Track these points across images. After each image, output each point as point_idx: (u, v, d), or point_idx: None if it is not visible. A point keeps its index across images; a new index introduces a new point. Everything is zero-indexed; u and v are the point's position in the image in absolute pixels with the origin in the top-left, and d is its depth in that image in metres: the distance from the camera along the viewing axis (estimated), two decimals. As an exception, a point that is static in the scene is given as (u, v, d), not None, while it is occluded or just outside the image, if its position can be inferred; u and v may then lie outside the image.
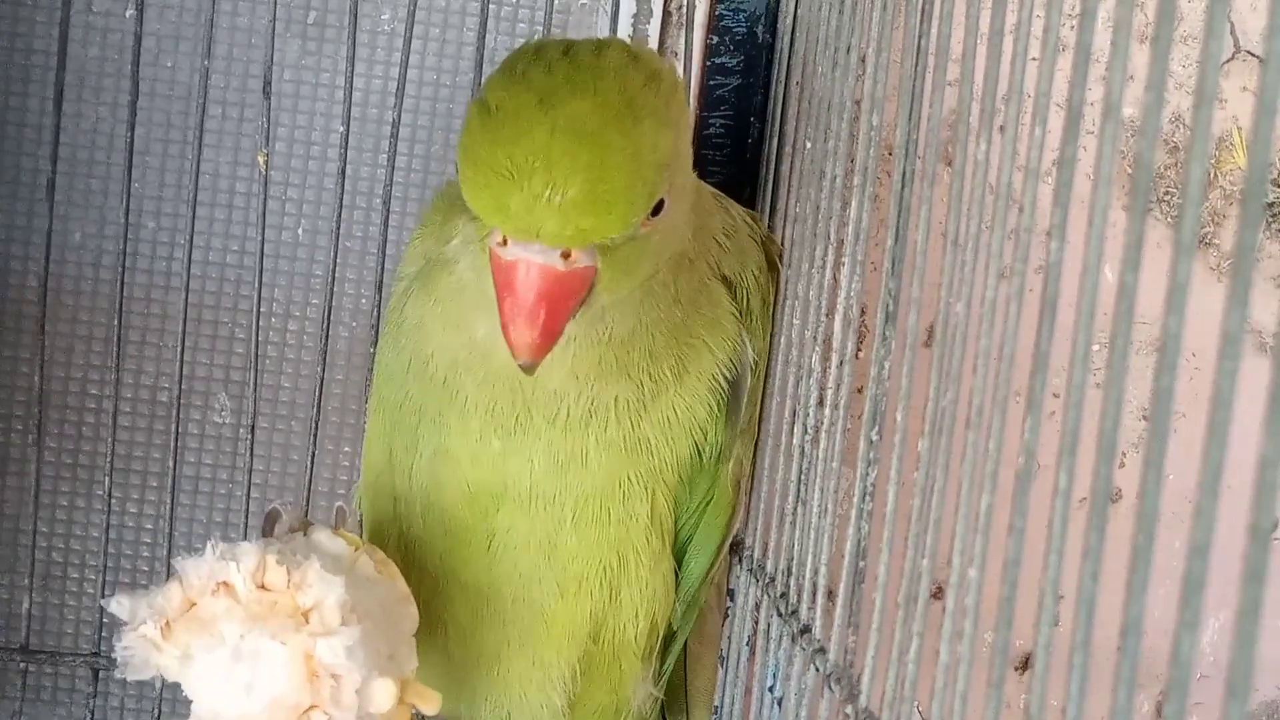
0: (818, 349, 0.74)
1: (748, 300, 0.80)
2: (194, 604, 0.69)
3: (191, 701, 0.69)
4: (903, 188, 0.63)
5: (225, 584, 0.69)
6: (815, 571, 0.71)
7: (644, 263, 0.69)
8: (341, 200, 0.91)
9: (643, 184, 0.63)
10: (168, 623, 0.69)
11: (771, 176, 0.90)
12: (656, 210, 0.65)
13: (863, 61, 0.71)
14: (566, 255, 0.63)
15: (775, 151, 0.90)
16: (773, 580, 0.78)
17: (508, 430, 0.75)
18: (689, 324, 0.76)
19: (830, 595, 0.68)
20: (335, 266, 0.92)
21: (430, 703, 0.73)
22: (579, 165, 0.61)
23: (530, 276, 0.63)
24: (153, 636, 0.69)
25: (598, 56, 0.64)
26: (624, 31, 1.01)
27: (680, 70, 0.99)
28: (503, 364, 0.71)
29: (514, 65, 0.65)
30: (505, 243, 0.63)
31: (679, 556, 0.82)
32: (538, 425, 0.75)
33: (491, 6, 0.95)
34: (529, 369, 0.66)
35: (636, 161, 0.62)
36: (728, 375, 0.78)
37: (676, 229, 0.71)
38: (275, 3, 0.92)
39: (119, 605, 0.70)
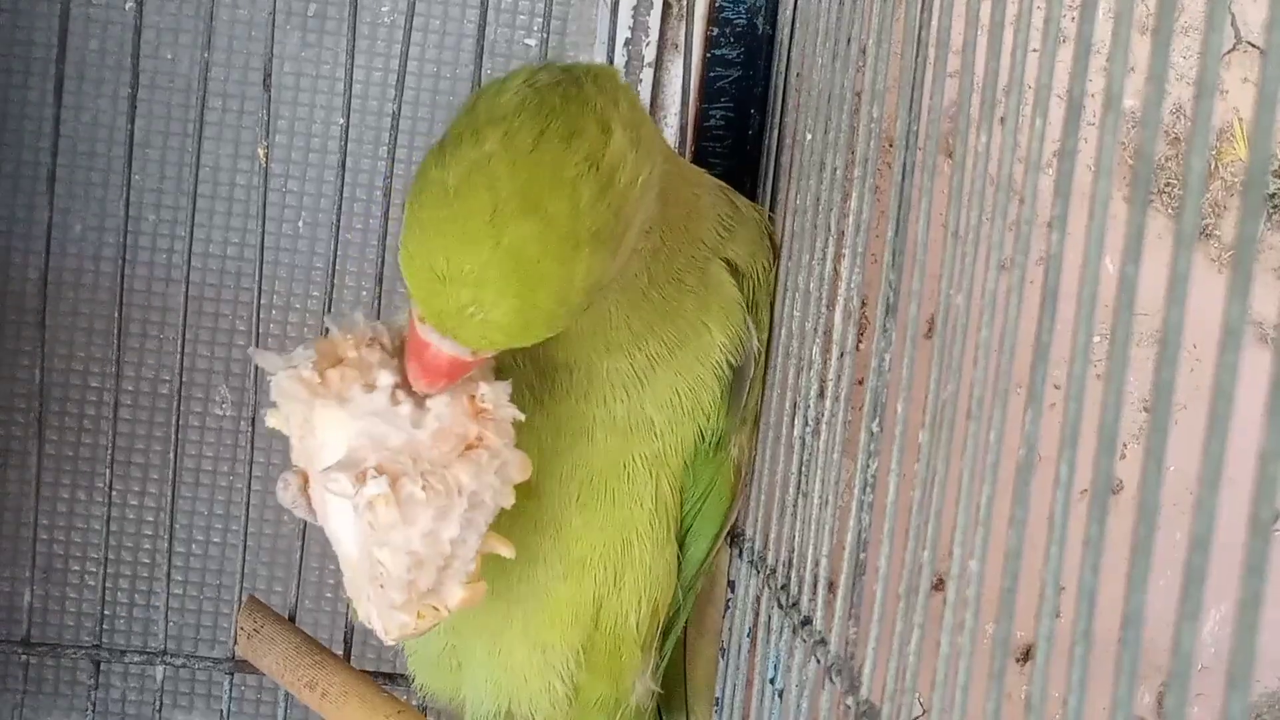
0: (818, 341, 0.74)
1: (754, 292, 0.80)
2: (342, 359, 0.70)
3: (345, 444, 0.69)
4: (903, 179, 0.63)
5: (379, 342, 0.70)
6: (816, 563, 0.71)
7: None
8: (342, 192, 0.91)
9: (568, 308, 0.64)
10: (321, 369, 0.69)
11: (772, 168, 0.90)
12: None
13: (863, 53, 0.71)
14: (475, 350, 0.65)
15: (775, 143, 0.90)
16: (773, 572, 0.78)
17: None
18: (674, 305, 0.77)
19: (831, 587, 0.68)
20: (336, 259, 0.92)
21: (508, 548, 0.73)
22: (508, 293, 0.62)
23: (437, 360, 0.66)
24: (309, 377, 0.69)
25: (564, 154, 0.63)
26: (624, 23, 1.01)
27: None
28: None
29: (485, 132, 0.63)
30: (424, 320, 0.65)
31: (680, 543, 0.83)
32: (541, 400, 0.76)
33: (491, -2, 0.95)
34: None
35: (566, 290, 0.63)
36: (731, 361, 0.79)
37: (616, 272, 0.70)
38: (275, -5, 0.92)
39: (264, 357, 0.71)
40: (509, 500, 0.71)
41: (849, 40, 0.74)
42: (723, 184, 0.83)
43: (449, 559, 0.70)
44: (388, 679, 0.92)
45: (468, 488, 0.69)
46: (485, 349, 0.65)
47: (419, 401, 0.69)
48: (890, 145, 0.67)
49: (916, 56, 0.63)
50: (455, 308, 0.63)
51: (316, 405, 0.69)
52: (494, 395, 0.70)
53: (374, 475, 0.68)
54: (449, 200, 0.63)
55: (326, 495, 0.69)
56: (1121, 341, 0.39)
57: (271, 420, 0.71)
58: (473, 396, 0.69)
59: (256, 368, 0.91)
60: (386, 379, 0.69)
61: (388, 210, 0.93)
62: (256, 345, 0.91)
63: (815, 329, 0.74)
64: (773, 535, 0.79)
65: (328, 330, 0.72)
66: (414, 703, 0.89)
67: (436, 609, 0.71)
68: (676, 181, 0.76)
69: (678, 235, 0.76)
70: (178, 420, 0.92)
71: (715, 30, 0.97)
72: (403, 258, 0.64)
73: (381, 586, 0.69)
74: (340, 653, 0.90)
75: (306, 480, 0.72)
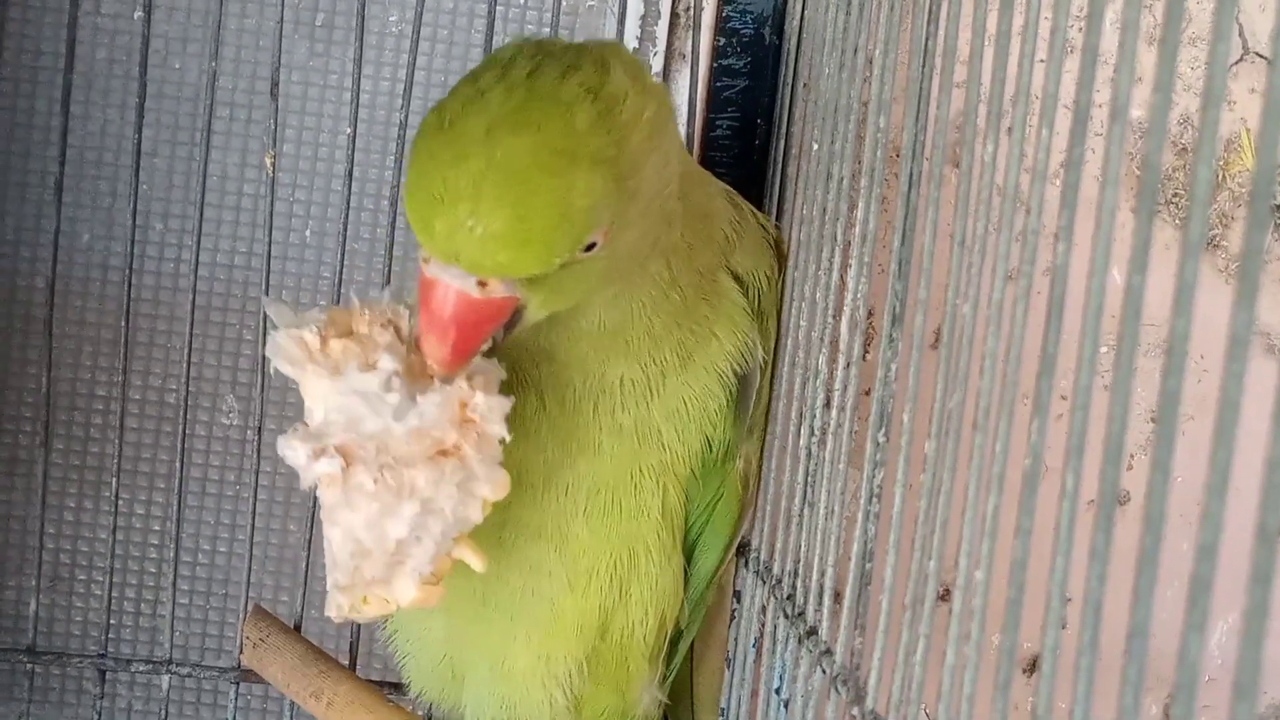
0: (825, 351, 0.74)
1: (760, 301, 0.80)
2: (352, 332, 0.69)
3: (324, 418, 0.68)
4: (910, 190, 0.63)
5: (395, 325, 0.70)
6: (822, 573, 0.71)
7: (583, 286, 0.69)
8: (349, 202, 0.91)
9: (567, 228, 0.64)
10: (326, 337, 0.69)
11: (778, 178, 0.90)
12: (589, 248, 0.66)
13: (869, 63, 0.71)
14: (484, 284, 0.65)
15: (782, 153, 0.90)
16: (779, 582, 0.78)
17: (520, 418, 0.75)
18: (691, 310, 0.77)
19: (837, 597, 0.68)
20: (342, 268, 0.92)
21: (480, 560, 0.72)
22: (504, 202, 0.62)
23: (445, 298, 0.65)
24: (310, 341, 0.69)
25: (560, 83, 0.64)
26: (631, 33, 1.01)
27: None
28: (508, 350, 0.71)
29: (482, 75, 0.65)
30: (430, 260, 0.65)
31: (688, 555, 0.83)
32: (549, 411, 0.76)
33: (499, 8, 0.95)
34: (445, 380, 0.68)
35: (563, 206, 0.63)
36: (737, 370, 0.79)
37: (635, 249, 0.70)
38: (283, 5, 0.92)
39: (277, 309, 0.70)
40: (476, 515, 0.70)
41: (856, 50, 0.74)
42: (728, 188, 0.83)
43: (399, 556, 0.69)
44: (394, 689, 0.92)
45: (421, 492, 0.68)
46: (491, 274, 0.64)
47: (409, 395, 0.68)
48: (897, 155, 0.67)
49: (923, 67, 0.63)
50: (454, 225, 0.62)
51: (308, 370, 0.69)
52: (486, 409, 0.69)
53: (330, 454, 0.67)
54: (444, 130, 0.64)
55: None
56: (1128, 352, 0.39)
57: (278, 366, 0.70)
58: (465, 404, 0.69)
59: (264, 376, 0.91)
60: (387, 363, 0.68)
61: (394, 220, 0.93)
62: (263, 353, 0.91)
63: (821, 339, 0.74)
64: (779, 545, 0.79)
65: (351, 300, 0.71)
66: (419, 713, 0.89)
67: (386, 601, 0.70)
68: (694, 181, 0.76)
69: (697, 234, 0.76)
70: (184, 429, 0.92)
71: (722, 40, 0.97)
72: (405, 198, 0.65)
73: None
74: (346, 662, 0.90)
75: None
